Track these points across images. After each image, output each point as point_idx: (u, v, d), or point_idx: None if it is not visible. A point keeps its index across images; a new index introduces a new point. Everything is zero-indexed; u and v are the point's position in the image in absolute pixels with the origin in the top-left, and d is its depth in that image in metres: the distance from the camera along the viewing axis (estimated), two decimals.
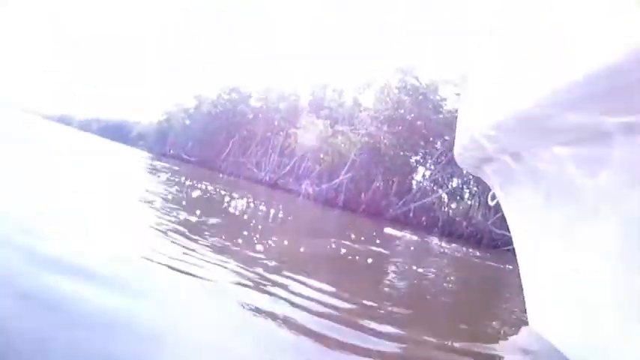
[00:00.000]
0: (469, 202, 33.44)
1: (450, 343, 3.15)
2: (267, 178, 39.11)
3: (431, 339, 3.20)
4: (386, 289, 5.20)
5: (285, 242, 6.70)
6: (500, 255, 10.24)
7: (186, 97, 58.50)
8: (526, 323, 3.73)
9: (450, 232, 27.08)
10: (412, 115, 32.85)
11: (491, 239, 25.66)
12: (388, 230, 15.39)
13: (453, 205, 33.94)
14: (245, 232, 6.36)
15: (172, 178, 14.64)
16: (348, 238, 9.58)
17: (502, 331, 3.70)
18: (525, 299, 3.61)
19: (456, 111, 27.99)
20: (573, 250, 2.63)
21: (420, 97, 33.14)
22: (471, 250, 16.91)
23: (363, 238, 9.92)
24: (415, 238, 15.75)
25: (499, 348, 3.28)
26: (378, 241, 10.15)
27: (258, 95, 47.16)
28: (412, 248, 10.90)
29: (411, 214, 30.81)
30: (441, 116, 32.81)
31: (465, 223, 28.41)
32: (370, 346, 2.93)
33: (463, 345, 3.18)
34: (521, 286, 3.89)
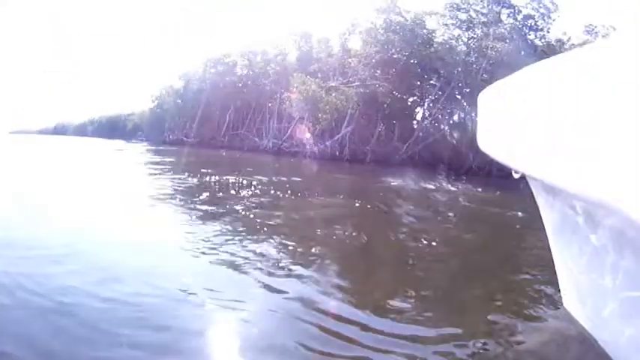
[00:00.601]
0: (474, 131, 33.18)
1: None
2: (271, 145, 39.22)
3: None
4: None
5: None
6: (511, 191, 10.00)
7: (173, 78, 57.83)
8: (554, 304, 3.66)
9: (457, 167, 26.94)
10: (404, 53, 32.36)
11: (499, 169, 25.70)
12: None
13: (456, 135, 33.51)
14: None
15: (181, 176, 12.95)
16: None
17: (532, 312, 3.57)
18: (559, 279, 3.45)
19: (447, 41, 27.43)
20: None
21: (408, 33, 32.40)
22: (479, 189, 16.98)
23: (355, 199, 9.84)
24: (414, 185, 15.34)
25: (529, 329, 3.23)
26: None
27: (243, 62, 46.41)
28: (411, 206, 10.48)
29: (417, 156, 30.88)
30: (432, 50, 32.48)
31: (471, 155, 28.11)
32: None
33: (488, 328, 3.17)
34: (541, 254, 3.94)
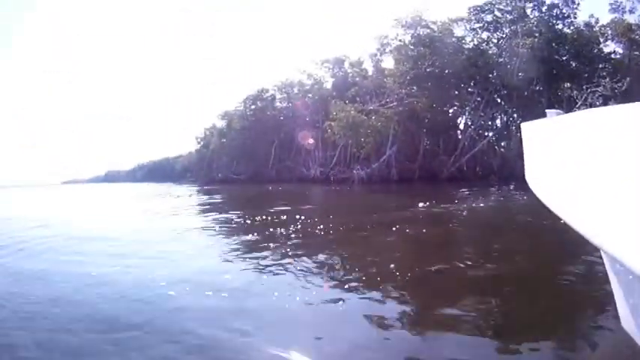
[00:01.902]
0: (519, 135, 33.17)
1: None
2: (318, 174, 40.82)
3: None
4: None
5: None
6: None
7: (215, 118, 61.21)
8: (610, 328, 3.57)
9: (508, 175, 26.88)
10: (437, 65, 33.07)
11: None
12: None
13: (501, 142, 34.04)
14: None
15: (233, 215, 12.50)
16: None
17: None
18: (615, 297, 3.36)
19: (478, 45, 27.62)
20: None
21: (438, 44, 33.20)
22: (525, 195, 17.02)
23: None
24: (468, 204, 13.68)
25: (585, 347, 3.25)
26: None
27: (281, 95, 48.88)
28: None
29: (465, 168, 31.52)
30: (464, 57, 32.95)
31: (520, 162, 27.90)
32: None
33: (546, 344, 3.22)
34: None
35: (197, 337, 3.26)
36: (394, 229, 8.27)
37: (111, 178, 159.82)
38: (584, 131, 1.80)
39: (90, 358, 3.07)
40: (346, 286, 4.49)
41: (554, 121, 2.09)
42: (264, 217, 10.86)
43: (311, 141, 42.87)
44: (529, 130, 2.53)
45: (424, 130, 34.28)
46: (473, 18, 34.56)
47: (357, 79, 40.50)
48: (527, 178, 2.70)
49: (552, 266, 5.46)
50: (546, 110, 2.31)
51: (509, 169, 28.92)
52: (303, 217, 10.58)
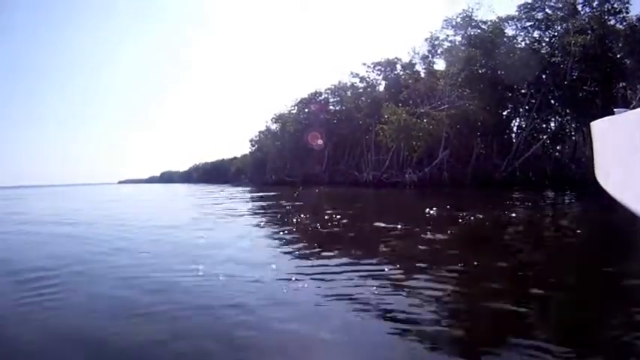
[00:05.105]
0: (574, 139, 33.60)
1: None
2: (371, 177, 42.68)
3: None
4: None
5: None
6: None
7: (269, 121, 64.51)
8: None
9: (560, 182, 27.13)
10: (489, 66, 33.83)
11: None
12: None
13: (559, 148, 34.19)
14: None
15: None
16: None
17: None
18: None
19: (531, 44, 27.88)
20: None
21: (489, 45, 33.63)
22: (577, 203, 16.83)
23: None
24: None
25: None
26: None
27: (335, 99, 51.44)
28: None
29: (518, 172, 31.88)
30: (516, 57, 32.72)
31: (573, 167, 28.65)
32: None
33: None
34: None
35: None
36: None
37: (166, 178, 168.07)
38: None
39: None
40: None
41: (629, 116, 1.99)
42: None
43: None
44: (600, 127, 2.50)
45: (477, 133, 35.16)
46: (523, 16, 34.88)
47: (410, 81, 41.55)
48: (598, 176, 2.60)
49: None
50: (614, 109, 2.26)
51: (561, 174, 29.49)
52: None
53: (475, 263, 6.19)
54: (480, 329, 3.85)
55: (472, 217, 12.16)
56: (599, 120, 2.51)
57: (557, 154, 34.49)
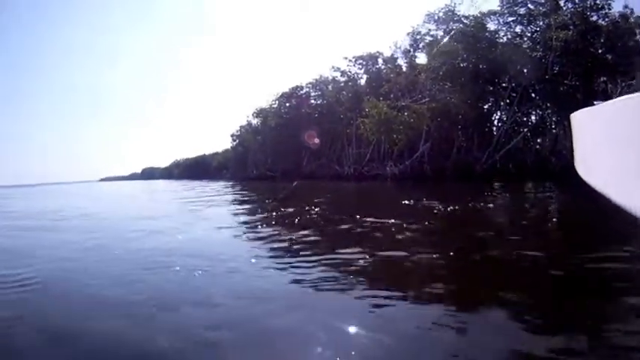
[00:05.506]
0: (554, 132, 33.76)
1: None
2: (352, 171, 42.67)
3: None
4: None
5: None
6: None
7: (249, 116, 64.01)
8: None
9: (540, 174, 27.36)
10: (470, 60, 34.02)
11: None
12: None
13: (539, 141, 34.51)
14: None
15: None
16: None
17: None
18: None
19: (513, 39, 28.08)
20: None
21: (471, 39, 33.78)
22: (555, 194, 16.90)
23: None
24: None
25: None
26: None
27: (316, 93, 51.21)
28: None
29: (498, 165, 32.11)
30: (497, 51, 33.12)
31: (553, 159, 28.83)
32: None
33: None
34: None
35: None
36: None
37: (147, 175, 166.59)
38: None
39: None
40: None
41: (608, 106, 1.85)
42: None
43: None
44: (580, 118, 2.43)
45: (458, 127, 35.32)
46: (506, 11, 35.03)
47: (391, 75, 41.45)
48: (578, 167, 2.48)
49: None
50: (594, 102, 2.14)
51: (541, 167, 29.72)
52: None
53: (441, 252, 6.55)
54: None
55: (448, 209, 12.23)
56: (579, 111, 2.33)
57: (537, 146, 34.80)
